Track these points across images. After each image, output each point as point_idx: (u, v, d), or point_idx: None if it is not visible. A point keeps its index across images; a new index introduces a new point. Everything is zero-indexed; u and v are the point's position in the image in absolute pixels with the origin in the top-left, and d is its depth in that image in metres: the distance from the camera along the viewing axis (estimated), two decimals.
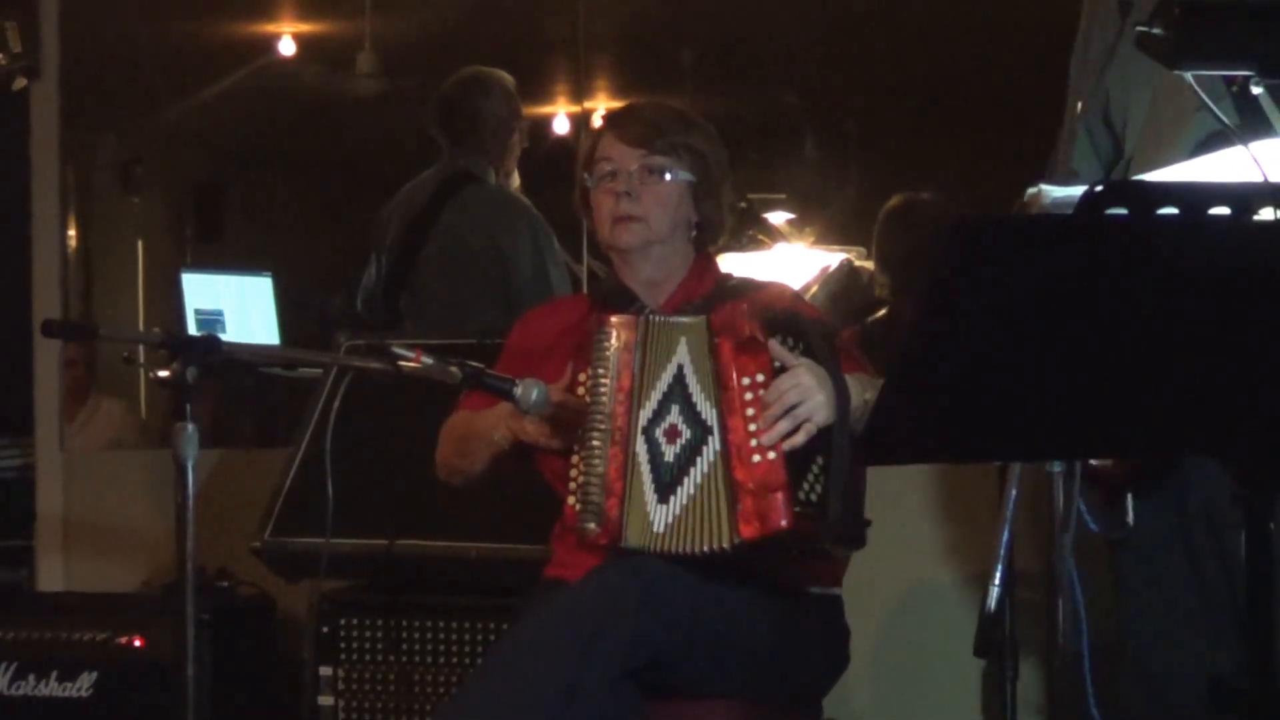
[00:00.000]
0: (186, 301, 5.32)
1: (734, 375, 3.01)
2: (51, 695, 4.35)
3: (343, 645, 4.03)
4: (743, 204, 4.80)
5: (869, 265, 5.21)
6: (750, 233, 4.97)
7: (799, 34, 6.89)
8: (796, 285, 4.20)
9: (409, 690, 3.99)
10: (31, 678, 4.36)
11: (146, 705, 4.26)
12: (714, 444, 3.02)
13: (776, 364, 3.00)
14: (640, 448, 3.05)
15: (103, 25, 6.20)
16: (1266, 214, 2.04)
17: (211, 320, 5.28)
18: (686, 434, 3.04)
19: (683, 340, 3.07)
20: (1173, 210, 1.98)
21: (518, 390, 3.04)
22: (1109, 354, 2.01)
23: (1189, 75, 2.60)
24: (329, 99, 7.78)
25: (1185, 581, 3.05)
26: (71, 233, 5.92)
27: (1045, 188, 2.74)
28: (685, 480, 3.02)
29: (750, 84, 7.15)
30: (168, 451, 3.02)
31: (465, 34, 7.04)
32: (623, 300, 3.30)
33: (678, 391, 3.06)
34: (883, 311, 5.07)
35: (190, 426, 2.99)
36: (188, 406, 3.00)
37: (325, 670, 4.04)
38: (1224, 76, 2.64)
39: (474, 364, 3.08)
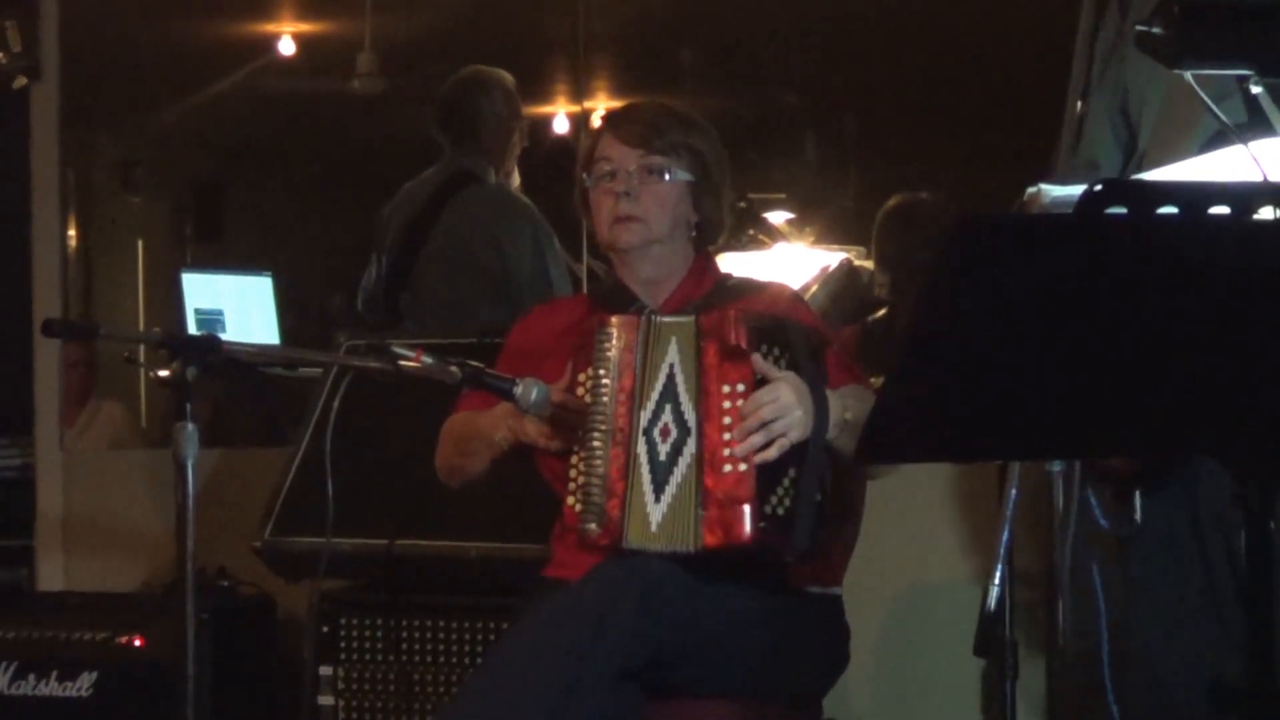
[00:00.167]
0: (186, 301, 5.32)
1: (715, 381, 3.01)
2: (51, 695, 4.35)
3: (343, 645, 4.03)
4: (742, 204, 4.80)
5: (869, 265, 5.21)
6: (750, 232, 4.97)
7: (799, 34, 6.89)
8: (796, 285, 4.20)
9: (409, 690, 3.99)
10: (31, 677, 4.36)
11: (146, 705, 4.26)
12: (691, 446, 3.03)
13: (758, 375, 3.00)
14: (641, 448, 3.05)
15: (103, 25, 6.20)
16: (1266, 213, 2.04)
17: (211, 320, 5.28)
18: (674, 433, 3.05)
19: (673, 340, 3.07)
20: (1172, 209, 1.98)
21: (518, 390, 3.04)
22: (1109, 353, 2.01)
23: (1188, 75, 2.60)
24: (329, 99, 7.78)
25: (1194, 580, 3.05)
26: (71, 233, 5.93)
27: (1045, 187, 2.74)
28: (670, 480, 3.03)
29: (750, 84, 7.15)
30: (168, 451, 3.02)
31: (465, 34, 7.04)
32: (622, 300, 3.30)
33: (670, 391, 3.06)
34: (883, 311, 5.07)
35: (190, 426, 2.99)
36: (188, 406, 3.00)
37: (325, 670, 4.04)
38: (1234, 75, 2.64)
39: (474, 364, 3.08)
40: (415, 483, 3.69)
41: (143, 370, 6.04)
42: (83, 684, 4.34)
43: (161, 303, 7.06)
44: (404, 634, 4.00)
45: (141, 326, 7.33)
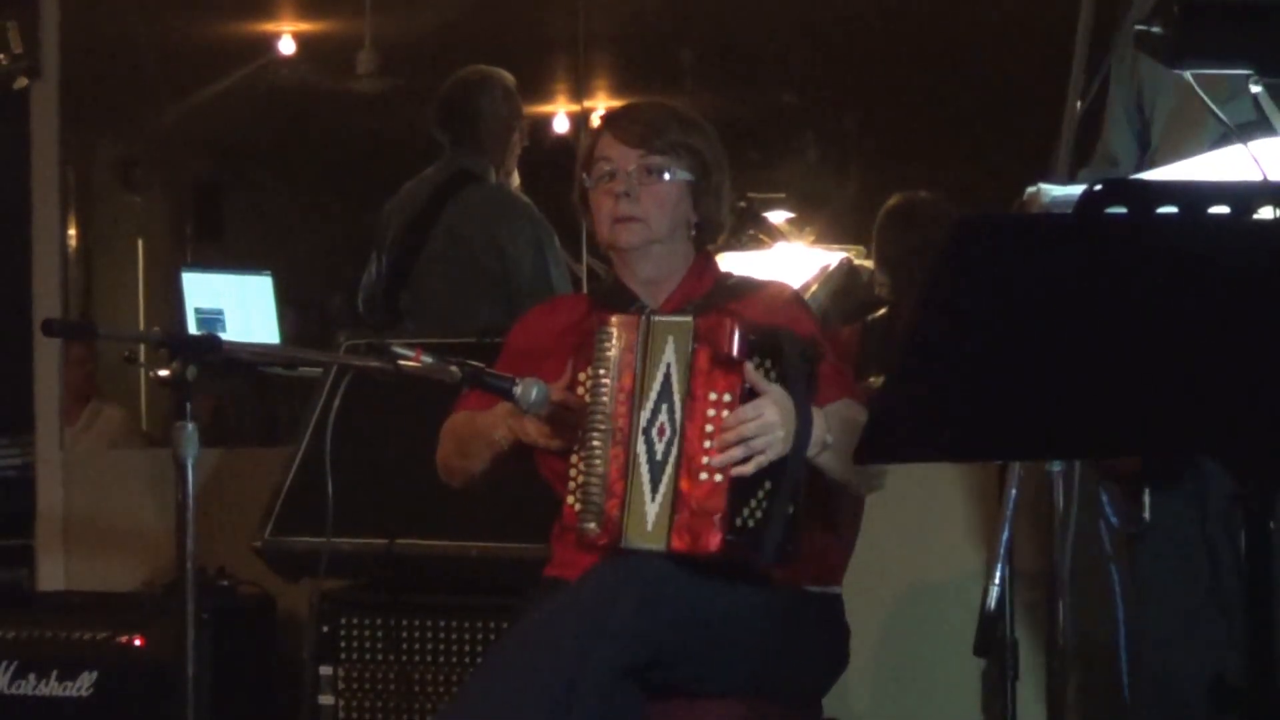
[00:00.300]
0: (186, 300, 5.32)
1: (702, 387, 3.01)
2: (52, 694, 4.34)
3: (343, 645, 4.03)
4: (742, 203, 4.80)
5: (869, 264, 5.21)
6: (750, 232, 4.96)
7: (798, 34, 6.90)
8: (796, 284, 4.19)
9: (409, 689, 3.99)
10: (32, 677, 4.36)
11: (147, 705, 4.26)
12: (675, 448, 3.03)
13: (747, 385, 2.99)
14: (640, 448, 3.05)
15: (103, 25, 6.21)
16: (1266, 213, 2.04)
17: (211, 319, 5.28)
18: (667, 433, 3.05)
19: (670, 339, 3.07)
20: (1172, 209, 1.98)
21: (517, 390, 3.04)
22: (1109, 353, 2.01)
23: (1188, 74, 2.60)
24: (329, 98, 7.79)
25: (1201, 579, 3.05)
26: (72, 232, 5.93)
27: (1044, 186, 2.75)
28: (662, 479, 3.03)
29: (750, 83, 7.16)
30: (168, 451, 3.02)
31: (465, 33, 7.04)
32: (622, 300, 3.30)
33: (667, 390, 3.06)
34: (882, 310, 5.07)
35: (190, 426, 2.98)
36: (187, 406, 3.00)
37: (325, 670, 4.04)
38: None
39: (473, 363, 3.07)
40: (415, 482, 3.69)
41: (143, 370, 6.05)
42: (83, 684, 4.34)
43: (161, 302, 7.06)
44: (404, 634, 4.00)
45: (141, 326, 7.34)
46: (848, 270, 4.90)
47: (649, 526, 3.02)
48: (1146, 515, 3.01)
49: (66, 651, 4.36)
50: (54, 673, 4.35)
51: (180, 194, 8.18)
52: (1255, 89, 2.59)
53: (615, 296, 3.32)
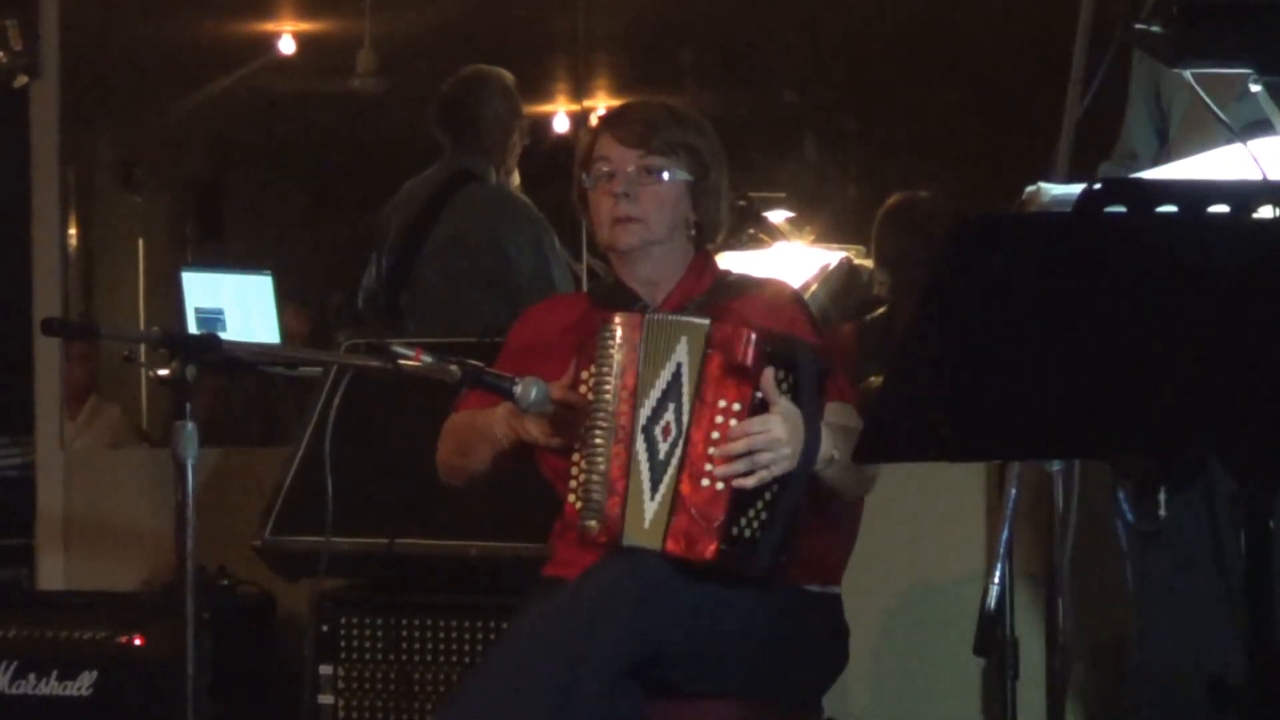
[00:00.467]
0: (187, 300, 5.31)
1: (713, 392, 3.01)
2: (52, 694, 4.35)
3: (343, 644, 4.03)
4: (742, 202, 4.80)
5: (868, 264, 5.21)
6: (750, 231, 4.96)
7: (798, 33, 6.90)
8: (796, 283, 4.19)
9: (409, 689, 3.99)
10: (32, 676, 4.36)
11: (147, 704, 4.26)
12: (679, 449, 3.03)
13: (758, 395, 2.99)
14: (641, 446, 3.05)
15: (103, 25, 6.20)
16: (1265, 212, 2.04)
17: (212, 319, 5.27)
18: (673, 433, 3.04)
19: (683, 339, 3.06)
20: (1172, 208, 1.98)
21: (517, 389, 3.04)
22: (1108, 352, 2.01)
23: (1188, 74, 2.60)
24: (329, 98, 7.79)
25: (1211, 576, 3.04)
26: (72, 232, 5.93)
27: (1044, 186, 2.75)
28: (664, 478, 3.03)
29: (750, 83, 7.16)
30: (167, 450, 3.02)
31: (465, 32, 7.05)
32: (622, 299, 3.29)
33: (674, 390, 3.06)
34: (882, 309, 5.07)
35: (190, 425, 2.99)
36: (187, 405, 3.00)
37: (325, 669, 4.04)
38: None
39: (474, 363, 3.07)
40: (415, 482, 3.69)
41: (143, 369, 6.05)
42: (83, 683, 4.34)
43: (162, 302, 7.06)
44: (404, 633, 4.00)
45: (142, 325, 7.34)
46: (847, 270, 4.90)
47: (646, 524, 3.02)
48: (1162, 513, 3.01)
49: (67, 651, 4.36)
50: (54, 672, 4.35)
51: (180, 194, 8.18)
52: (1255, 88, 2.59)
53: (615, 295, 3.32)
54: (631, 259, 3.29)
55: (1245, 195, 2.03)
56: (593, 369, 3.09)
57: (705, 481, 2.98)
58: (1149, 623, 3.21)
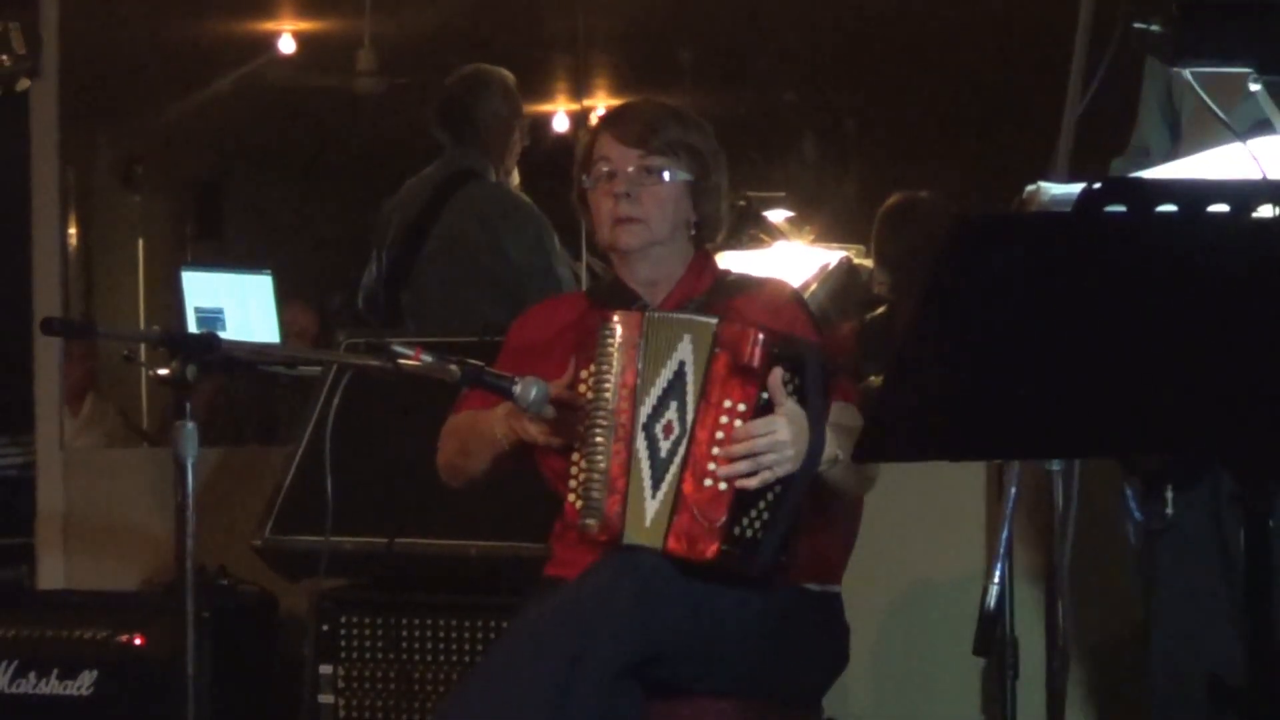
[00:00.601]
0: (186, 299, 5.31)
1: (718, 392, 3.01)
2: (52, 693, 4.35)
3: (343, 644, 4.03)
4: (741, 202, 4.80)
5: (868, 263, 5.21)
6: (750, 231, 4.96)
7: (798, 33, 6.90)
8: (796, 283, 4.19)
9: (409, 688, 3.99)
10: (32, 676, 4.36)
11: (147, 704, 4.25)
12: (683, 448, 3.03)
13: (764, 396, 2.99)
14: (641, 444, 3.05)
15: (103, 25, 6.20)
16: (1265, 211, 2.03)
17: (211, 318, 5.27)
18: (675, 431, 3.04)
19: (687, 337, 3.06)
20: (1171, 207, 1.98)
21: (517, 388, 3.04)
22: (1107, 352, 2.01)
23: (1187, 73, 2.60)
24: (329, 97, 7.79)
25: (1218, 574, 3.04)
26: (72, 231, 5.94)
27: (1044, 185, 2.75)
28: (666, 476, 3.03)
29: (749, 82, 7.17)
30: (168, 450, 3.02)
31: (465, 32, 7.05)
32: (622, 298, 3.29)
33: (677, 388, 3.06)
34: (882, 309, 5.07)
35: (190, 425, 2.99)
36: (187, 405, 3.00)
37: (325, 669, 4.04)
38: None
39: (473, 362, 3.07)
40: (415, 481, 3.69)
41: (143, 369, 6.05)
42: (83, 683, 4.34)
43: (161, 301, 7.07)
44: (404, 633, 4.00)
45: (142, 325, 7.35)
46: (847, 269, 4.90)
47: (647, 522, 3.02)
48: (1169, 511, 3.01)
49: (67, 650, 4.36)
50: (54, 672, 4.35)
51: (180, 193, 8.19)
52: (1254, 87, 2.59)
53: (615, 295, 3.32)
54: (632, 259, 3.29)
55: (1245, 195, 2.03)
56: (592, 368, 3.09)
57: (708, 481, 2.98)
58: (1156, 621, 3.21)
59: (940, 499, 4.29)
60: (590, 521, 3.03)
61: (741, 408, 2.99)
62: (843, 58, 7.03)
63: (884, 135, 7.16)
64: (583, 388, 3.10)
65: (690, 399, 3.04)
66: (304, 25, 7.59)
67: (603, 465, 3.03)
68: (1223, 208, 2.01)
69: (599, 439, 3.04)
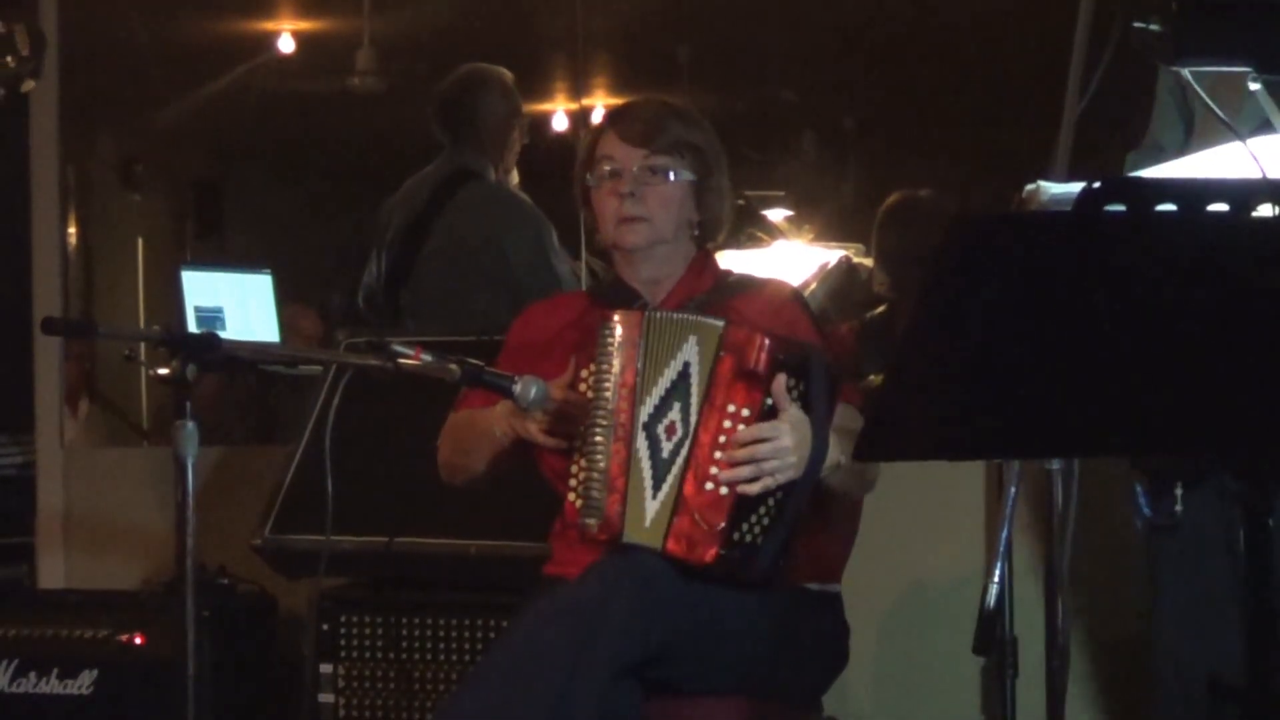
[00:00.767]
0: (186, 299, 5.31)
1: (722, 395, 3.01)
2: (52, 693, 4.35)
3: (343, 643, 4.03)
4: (740, 201, 4.80)
5: (867, 262, 5.21)
6: (749, 230, 4.96)
7: (797, 31, 6.89)
8: (795, 282, 4.20)
9: (409, 687, 4.00)
10: (32, 675, 4.36)
11: (147, 703, 4.26)
12: (685, 449, 3.03)
13: (769, 401, 2.99)
14: (641, 443, 3.05)
15: (103, 25, 6.20)
16: (1265, 210, 2.04)
17: (211, 317, 5.27)
18: (679, 432, 3.04)
19: (692, 338, 3.06)
20: (1171, 207, 1.98)
21: (517, 388, 3.04)
22: (1107, 351, 2.01)
23: (1186, 72, 2.60)
24: (328, 97, 7.78)
25: (1225, 573, 3.05)
26: (72, 231, 5.93)
27: (1043, 184, 2.75)
28: (667, 477, 3.03)
29: (748, 81, 7.16)
30: (168, 449, 3.03)
31: (464, 31, 7.04)
32: (623, 297, 3.30)
33: (681, 389, 3.06)
34: (881, 308, 5.07)
35: (190, 424, 2.99)
36: (187, 404, 3.01)
37: (325, 668, 4.04)
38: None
39: (473, 361, 3.07)
40: (415, 481, 3.69)
41: (143, 368, 6.05)
42: (83, 682, 4.34)
43: (161, 300, 7.06)
44: (404, 632, 4.00)
45: (142, 324, 7.34)
46: (846, 268, 4.91)
47: (647, 523, 3.02)
48: (1178, 509, 3.01)
49: (67, 650, 4.36)
50: (55, 671, 4.35)
51: (180, 192, 8.18)
52: (1254, 86, 2.59)
53: (615, 293, 3.33)
54: (635, 258, 3.29)
55: (1245, 194, 2.03)
56: (592, 367, 3.09)
57: (709, 485, 2.98)
58: (1161, 618, 3.21)
59: (940, 498, 4.29)
60: (590, 521, 3.03)
61: (745, 412, 2.99)
62: (842, 57, 7.02)
63: (883, 134, 7.15)
64: (583, 387, 3.10)
65: (694, 401, 3.04)
66: (303, 25, 7.58)
67: (602, 465, 3.04)
68: (1222, 207, 2.01)
69: (599, 438, 3.04)
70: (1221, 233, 2.03)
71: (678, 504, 3.00)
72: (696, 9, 7.00)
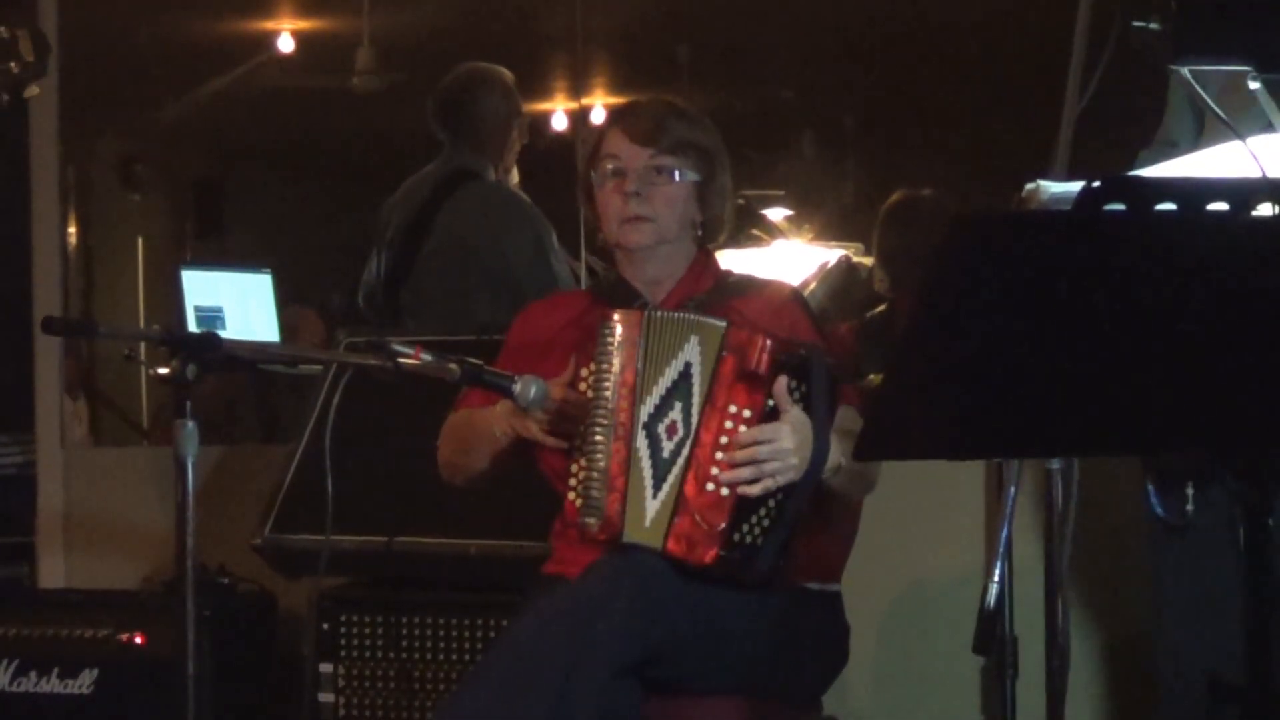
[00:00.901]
0: (186, 298, 5.31)
1: (724, 395, 3.01)
2: (53, 692, 4.35)
3: (343, 642, 4.03)
4: (739, 200, 4.80)
5: (867, 261, 5.21)
6: (748, 229, 4.96)
7: (796, 30, 6.89)
8: (795, 282, 4.20)
9: (409, 687, 4.00)
10: (33, 674, 4.36)
11: (147, 702, 4.26)
12: (686, 449, 3.03)
13: (770, 403, 2.99)
14: (641, 442, 3.05)
15: (103, 24, 6.20)
16: (1265, 209, 2.04)
17: (211, 317, 5.27)
18: (680, 432, 3.04)
19: (694, 338, 3.06)
20: (1171, 206, 1.98)
21: (517, 387, 3.04)
22: (1107, 351, 2.01)
23: (1185, 71, 2.60)
24: (328, 96, 7.79)
25: (1228, 573, 3.04)
26: (72, 230, 5.93)
27: (1043, 183, 2.75)
28: (668, 476, 3.03)
29: (747, 80, 7.16)
30: (168, 448, 3.03)
31: (464, 30, 7.05)
32: (624, 296, 3.30)
33: (682, 389, 3.06)
34: (881, 307, 5.07)
35: (190, 424, 2.99)
36: (187, 404, 3.01)
37: (325, 667, 4.04)
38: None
39: (473, 361, 3.07)
40: (415, 480, 3.69)
41: (143, 368, 6.05)
42: (84, 681, 4.34)
43: (161, 300, 7.06)
44: (404, 631, 4.00)
45: (142, 324, 7.35)
46: (846, 268, 4.90)
47: (647, 522, 3.02)
48: (1190, 508, 3.01)
49: (67, 649, 4.37)
50: (55, 670, 4.35)
51: (180, 192, 8.19)
52: (1254, 85, 2.59)
53: (616, 292, 3.33)
54: (638, 258, 3.29)
55: (1244, 193, 2.03)
56: (592, 366, 3.09)
57: (710, 486, 2.98)
58: (1166, 617, 3.21)
59: (940, 498, 4.29)
60: (590, 520, 3.04)
61: (747, 414, 2.99)
62: (841, 55, 7.03)
63: (883, 134, 7.16)
64: (583, 386, 3.10)
65: (696, 401, 3.04)
66: (303, 24, 7.59)
67: (602, 464, 3.04)
68: (1222, 206, 2.02)
69: (599, 437, 3.04)
70: (1221, 232, 2.03)
71: (678, 504, 3.00)
72: (696, 9, 7.00)
